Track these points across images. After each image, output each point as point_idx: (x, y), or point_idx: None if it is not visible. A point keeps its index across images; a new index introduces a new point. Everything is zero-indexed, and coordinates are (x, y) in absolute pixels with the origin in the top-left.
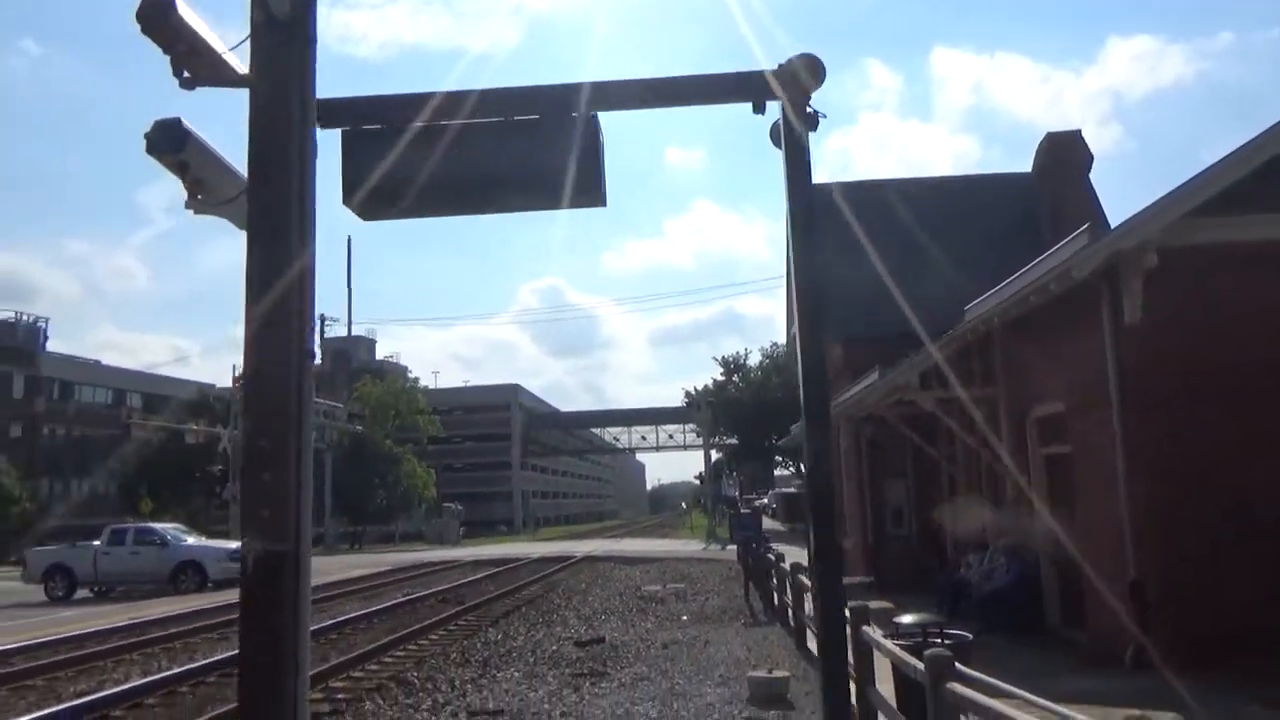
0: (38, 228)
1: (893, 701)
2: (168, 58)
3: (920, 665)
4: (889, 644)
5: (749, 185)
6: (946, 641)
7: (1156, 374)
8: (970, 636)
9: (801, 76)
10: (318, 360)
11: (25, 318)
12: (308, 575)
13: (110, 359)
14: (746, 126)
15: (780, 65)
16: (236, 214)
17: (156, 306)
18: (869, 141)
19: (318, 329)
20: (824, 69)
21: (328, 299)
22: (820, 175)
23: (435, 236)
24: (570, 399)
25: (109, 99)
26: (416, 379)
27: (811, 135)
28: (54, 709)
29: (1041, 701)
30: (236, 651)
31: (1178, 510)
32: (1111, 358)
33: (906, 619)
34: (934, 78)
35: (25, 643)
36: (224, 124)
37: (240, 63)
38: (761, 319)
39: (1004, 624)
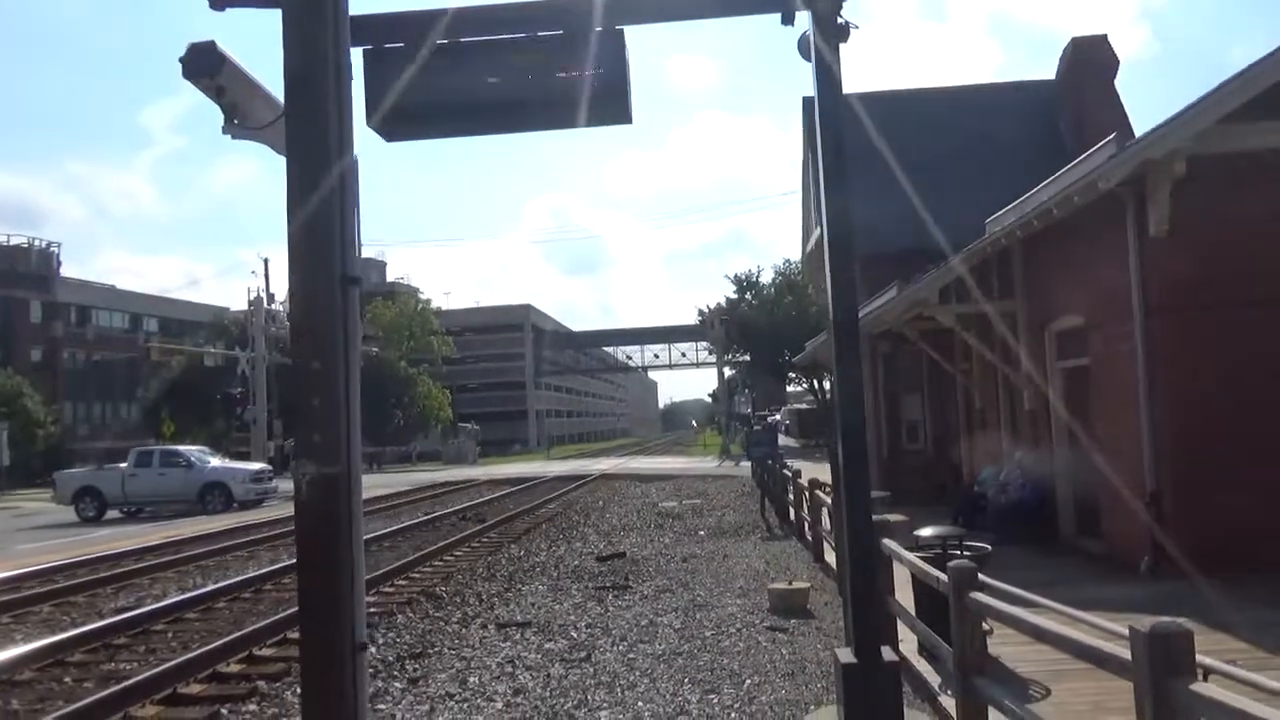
0: (42, 151)
1: (912, 610)
2: None
3: (943, 576)
4: (910, 556)
5: (758, 96)
6: (967, 553)
7: (1180, 285)
8: (989, 548)
9: None
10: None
11: (38, 243)
12: (359, 496)
13: (122, 283)
14: (759, 34)
15: None
16: (275, 138)
17: (166, 229)
18: (884, 46)
19: (359, 252)
20: None
21: None
22: None
23: (440, 154)
24: (581, 318)
25: (105, 18)
26: (428, 300)
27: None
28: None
29: (1060, 607)
30: (268, 568)
31: (1197, 421)
32: (1135, 270)
33: (926, 531)
34: None
35: (63, 561)
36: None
37: None
38: (771, 234)
39: (1019, 535)
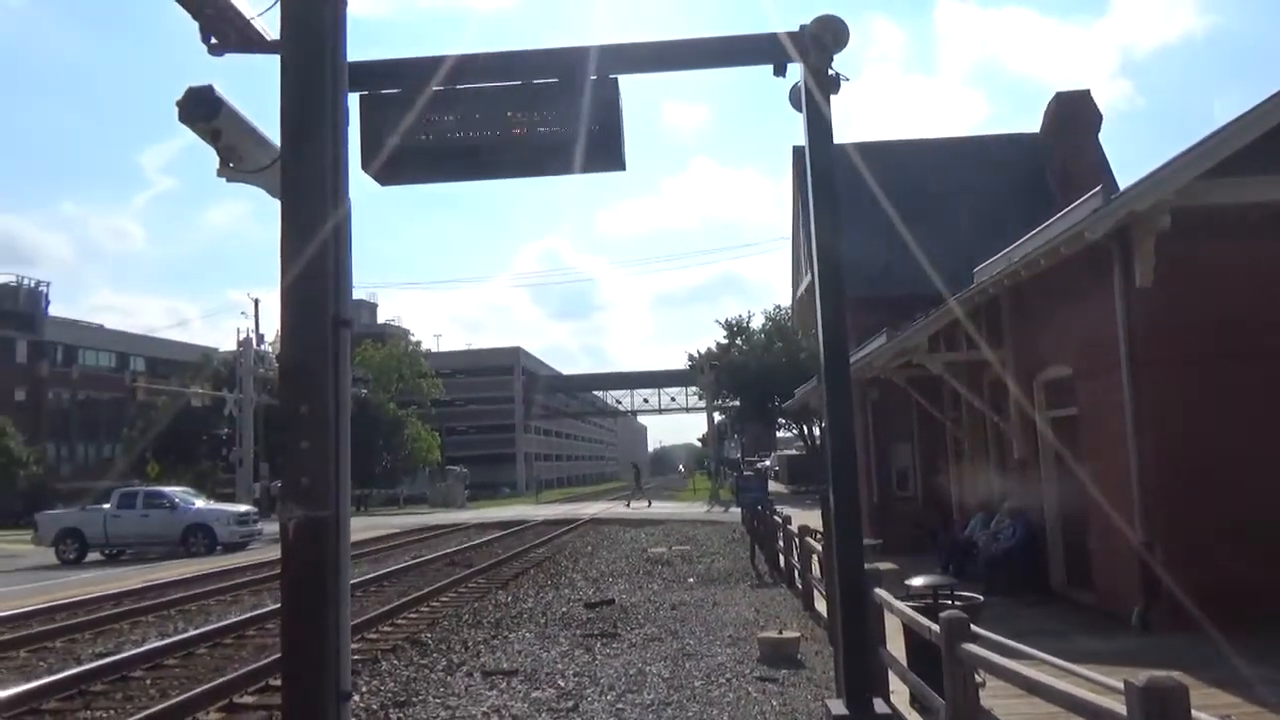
0: (33, 190)
1: (903, 661)
2: (196, 24)
3: (935, 627)
4: (902, 606)
5: (751, 143)
6: (958, 603)
7: (1167, 336)
8: (981, 598)
9: (824, 39)
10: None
11: (27, 282)
12: (347, 541)
13: (109, 322)
14: (753, 82)
15: (802, 26)
16: (269, 182)
17: (155, 269)
18: (872, 97)
19: (352, 296)
20: (848, 31)
21: None
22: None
23: (433, 196)
24: (571, 361)
25: (100, 59)
26: (419, 342)
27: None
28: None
29: (1055, 660)
30: (251, 613)
31: (1187, 472)
32: (1122, 320)
33: (918, 581)
34: (939, 33)
35: (41, 605)
36: (243, 92)
37: (268, 28)
38: (762, 280)
39: (1008, 585)
